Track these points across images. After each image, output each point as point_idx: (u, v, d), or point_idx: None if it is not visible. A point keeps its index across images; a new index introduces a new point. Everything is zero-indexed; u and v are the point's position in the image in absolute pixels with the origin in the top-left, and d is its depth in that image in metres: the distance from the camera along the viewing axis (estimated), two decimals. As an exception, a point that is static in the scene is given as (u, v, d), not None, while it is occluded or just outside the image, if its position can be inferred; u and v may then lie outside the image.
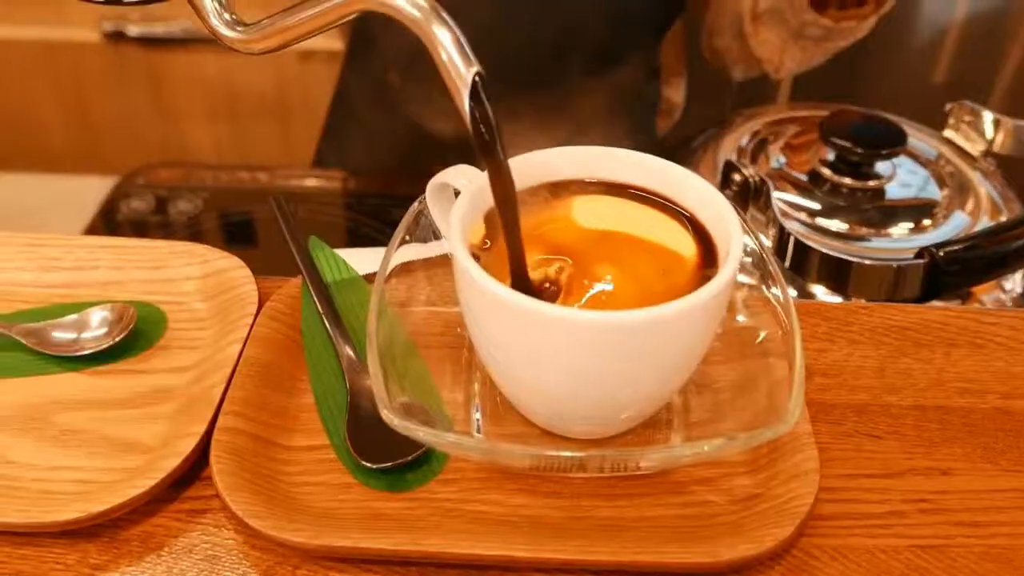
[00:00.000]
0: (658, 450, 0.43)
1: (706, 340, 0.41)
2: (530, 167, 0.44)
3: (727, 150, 0.75)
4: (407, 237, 0.47)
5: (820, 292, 0.65)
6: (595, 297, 0.40)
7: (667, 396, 0.44)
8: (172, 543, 0.42)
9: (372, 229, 0.90)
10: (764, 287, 0.45)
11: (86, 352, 0.49)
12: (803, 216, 0.69)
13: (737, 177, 0.67)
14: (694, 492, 0.43)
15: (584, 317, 0.37)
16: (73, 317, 0.50)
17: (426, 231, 0.48)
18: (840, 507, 0.43)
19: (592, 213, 0.44)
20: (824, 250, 0.64)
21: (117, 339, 0.49)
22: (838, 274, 0.64)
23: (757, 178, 0.67)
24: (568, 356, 0.38)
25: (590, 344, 0.37)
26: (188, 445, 0.43)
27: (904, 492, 0.44)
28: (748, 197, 0.67)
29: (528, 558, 0.39)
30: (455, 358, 0.49)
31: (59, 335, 0.50)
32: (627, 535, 0.41)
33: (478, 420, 0.46)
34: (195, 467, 0.44)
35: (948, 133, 0.78)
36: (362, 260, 0.54)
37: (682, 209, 0.44)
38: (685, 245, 0.42)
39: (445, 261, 0.49)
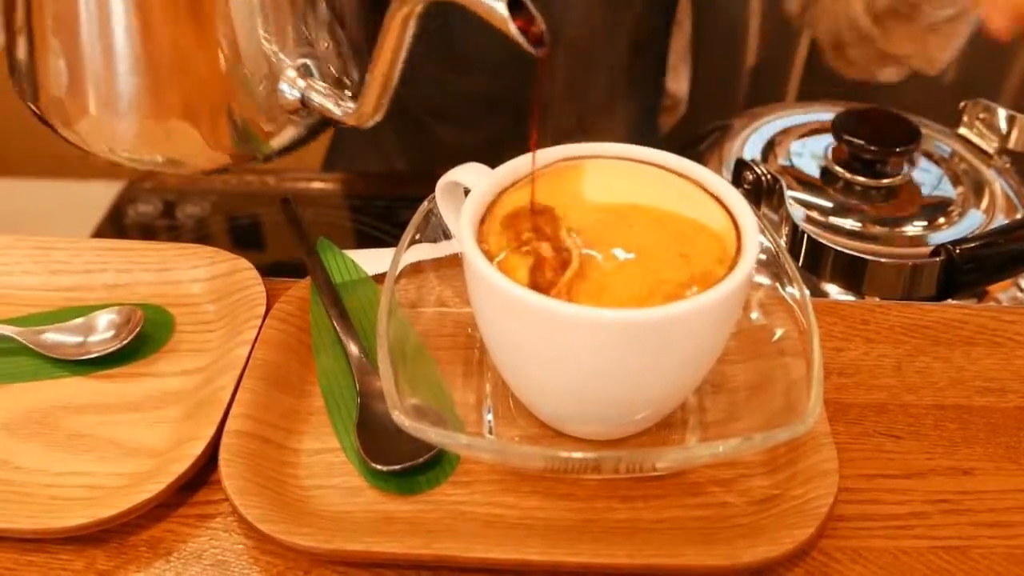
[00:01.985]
0: (674, 450, 0.42)
1: (722, 338, 0.40)
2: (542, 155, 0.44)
3: (737, 149, 0.74)
4: (417, 237, 0.46)
5: (834, 291, 0.64)
6: (606, 287, 0.38)
7: (682, 396, 0.44)
8: (181, 548, 0.41)
9: (381, 232, 0.89)
10: (780, 286, 0.45)
11: (93, 355, 0.49)
12: (816, 215, 0.68)
13: (749, 176, 0.66)
14: (711, 493, 0.42)
15: (598, 315, 0.36)
16: (80, 320, 0.50)
17: (436, 230, 0.48)
18: (860, 508, 0.42)
19: (611, 181, 0.43)
20: (838, 248, 0.63)
21: (124, 342, 0.49)
22: (852, 272, 0.63)
23: (769, 176, 0.66)
24: (582, 354, 0.37)
25: (604, 342, 0.37)
26: (197, 448, 0.43)
27: (925, 493, 0.43)
28: (760, 196, 0.66)
29: (543, 561, 0.39)
30: (466, 359, 0.48)
31: (66, 339, 0.49)
32: (643, 537, 0.40)
33: (490, 422, 0.45)
34: (204, 471, 0.43)
35: (962, 131, 0.77)
36: (371, 261, 0.53)
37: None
38: (709, 215, 0.41)
39: (455, 261, 0.49)
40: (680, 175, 0.43)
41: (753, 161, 0.67)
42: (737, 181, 0.67)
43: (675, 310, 0.36)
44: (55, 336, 0.49)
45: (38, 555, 0.41)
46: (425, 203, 0.47)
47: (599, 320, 0.36)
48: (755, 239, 0.40)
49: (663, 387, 0.40)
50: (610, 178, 0.43)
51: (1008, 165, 0.75)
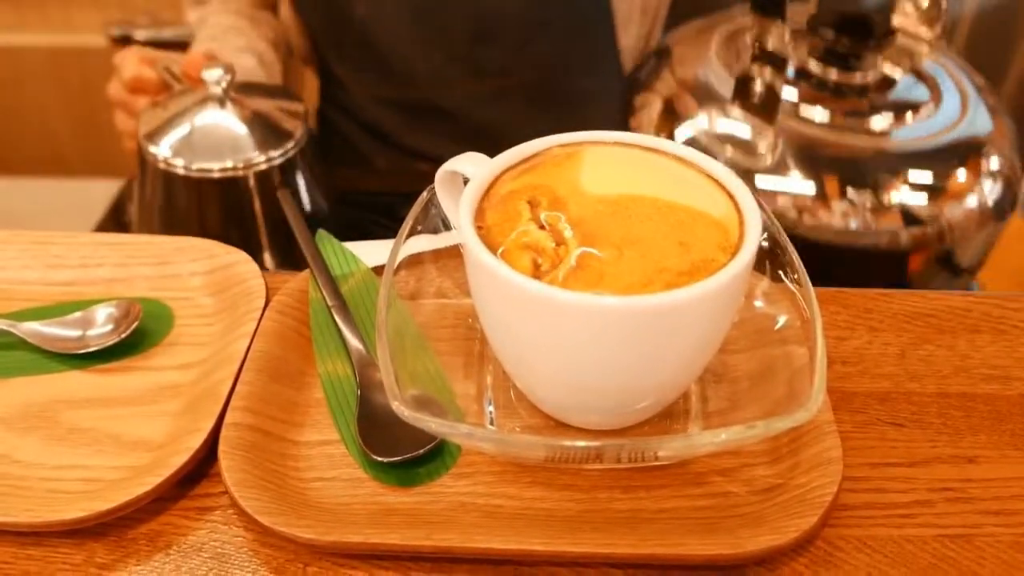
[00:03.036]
0: (676, 438, 0.41)
1: (723, 326, 0.40)
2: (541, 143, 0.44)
3: (708, 51, 0.73)
4: (417, 228, 0.46)
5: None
6: (604, 275, 0.38)
7: (684, 385, 0.43)
8: (180, 541, 0.41)
9: (381, 227, 0.89)
10: (783, 275, 0.44)
11: (91, 349, 0.48)
12: (789, 107, 0.67)
13: (756, 87, 0.65)
14: (714, 483, 0.42)
15: (598, 302, 0.36)
16: (78, 315, 0.50)
17: (435, 221, 0.47)
18: (864, 496, 0.42)
19: (610, 169, 0.42)
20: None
21: (122, 336, 0.48)
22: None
23: (769, 83, 0.65)
24: (581, 342, 0.37)
25: (604, 330, 0.36)
26: (196, 441, 0.42)
27: (930, 481, 0.43)
28: (774, 107, 0.65)
29: (544, 551, 0.38)
30: (467, 350, 0.48)
31: (65, 333, 0.49)
32: (646, 527, 0.40)
33: (491, 413, 0.45)
34: (203, 464, 0.43)
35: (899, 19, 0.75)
36: (371, 252, 0.53)
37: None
38: (710, 202, 0.41)
39: (455, 252, 0.48)
40: (681, 161, 0.43)
41: (758, 69, 0.66)
42: (743, 92, 0.66)
43: (675, 297, 0.36)
44: (54, 330, 0.49)
45: (37, 549, 0.41)
46: (424, 194, 0.47)
47: (599, 307, 0.36)
48: (757, 226, 0.39)
49: (664, 375, 0.40)
50: (609, 166, 0.43)
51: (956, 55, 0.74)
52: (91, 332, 0.49)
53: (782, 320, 0.45)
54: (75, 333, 0.49)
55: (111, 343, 0.48)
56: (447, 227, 0.47)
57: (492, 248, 0.38)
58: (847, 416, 0.45)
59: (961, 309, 0.51)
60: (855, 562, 0.39)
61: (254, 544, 0.41)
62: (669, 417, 0.44)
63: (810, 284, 0.42)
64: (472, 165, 0.44)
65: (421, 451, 0.43)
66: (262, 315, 0.49)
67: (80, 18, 1.57)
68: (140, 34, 1.56)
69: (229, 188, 0.68)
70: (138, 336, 0.49)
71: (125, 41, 1.56)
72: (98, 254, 0.54)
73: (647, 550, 0.38)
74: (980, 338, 0.50)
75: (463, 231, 0.39)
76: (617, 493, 0.42)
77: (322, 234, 0.54)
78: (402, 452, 0.43)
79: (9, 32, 1.58)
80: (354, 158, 1.01)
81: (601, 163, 0.43)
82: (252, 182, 0.68)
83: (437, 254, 0.49)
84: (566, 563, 0.39)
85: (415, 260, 0.49)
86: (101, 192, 1.10)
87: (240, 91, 0.71)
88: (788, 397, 0.42)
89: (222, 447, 0.42)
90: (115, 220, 0.99)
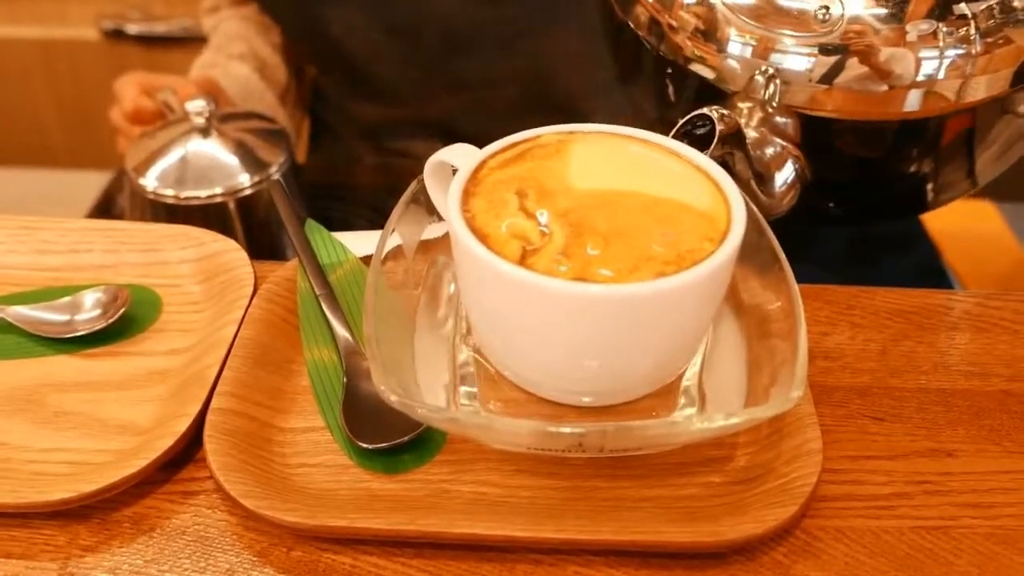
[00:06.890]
0: (658, 425, 0.42)
1: (706, 316, 0.41)
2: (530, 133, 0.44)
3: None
4: (405, 217, 0.46)
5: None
6: (591, 263, 0.38)
7: (669, 372, 0.44)
8: (164, 524, 0.41)
9: (369, 222, 0.89)
10: (767, 268, 0.45)
11: (79, 334, 0.48)
12: None
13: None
14: (696, 473, 0.42)
15: (585, 290, 0.36)
16: (67, 299, 0.50)
17: (424, 211, 0.47)
18: (844, 488, 0.42)
19: (598, 161, 0.43)
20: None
21: (111, 321, 0.49)
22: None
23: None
24: (569, 330, 0.37)
25: (591, 318, 0.37)
26: (182, 425, 0.42)
27: (908, 473, 0.43)
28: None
29: (527, 537, 0.39)
30: (453, 338, 0.48)
31: (52, 317, 0.49)
32: (628, 515, 0.40)
33: (476, 400, 0.45)
34: (188, 448, 0.43)
35: None
36: (359, 242, 0.53)
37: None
38: (697, 194, 0.41)
39: (443, 242, 0.49)
40: (670, 153, 0.43)
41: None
42: None
43: (661, 285, 0.36)
44: (41, 314, 0.49)
45: (21, 530, 0.41)
46: (413, 184, 0.47)
47: (585, 294, 0.36)
48: (742, 218, 0.40)
49: (649, 362, 0.40)
50: (597, 158, 0.43)
51: None
52: (79, 317, 0.49)
53: (765, 313, 0.45)
54: (63, 317, 0.49)
55: (98, 328, 0.49)
56: (436, 216, 0.48)
57: (479, 235, 0.39)
58: (828, 410, 0.46)
59: (942, 307, 0.52)
60: (833, 552, 0.40)
61: (238, 528, 0.41)
62: (652, 410, 0.45)
63: (792, 277, 0.42)
64: (461, 156, 0.44)
65: (406, 438, 0.43)
66: (250, 303, 0.49)
67: (73, 11, 1.57)
68: (132, 28, 1.56)
69: (214, 214, 0.71)
70: (126, 322, 0.49)
71: (117, 35, 1.56)
72: (87, 240, 0.54)
73: (629, 536, 0.38)
74: (960, 335, 0.50)
75: (451, 218, 0.40)
76: (600, 482, 0.42)
77: (311, 224, 0.54)
78: (387, 439, 0.43)
79: (1, 24, 1.58)
80: (344, 155, 1.01)
81: (589, 155, 0.43)
82: (234, 207, 0.72)
83: (425, 244, 0.50)
84: (548, 549, 0.40)
85: (402, 250, 0.49)
86: (90, 184, 1.11)
87: (223, 120, 0.74)
88: (770, 388, 0.42)
89: (207, 432, 0.42)
90: (104, 212, 0.99)
